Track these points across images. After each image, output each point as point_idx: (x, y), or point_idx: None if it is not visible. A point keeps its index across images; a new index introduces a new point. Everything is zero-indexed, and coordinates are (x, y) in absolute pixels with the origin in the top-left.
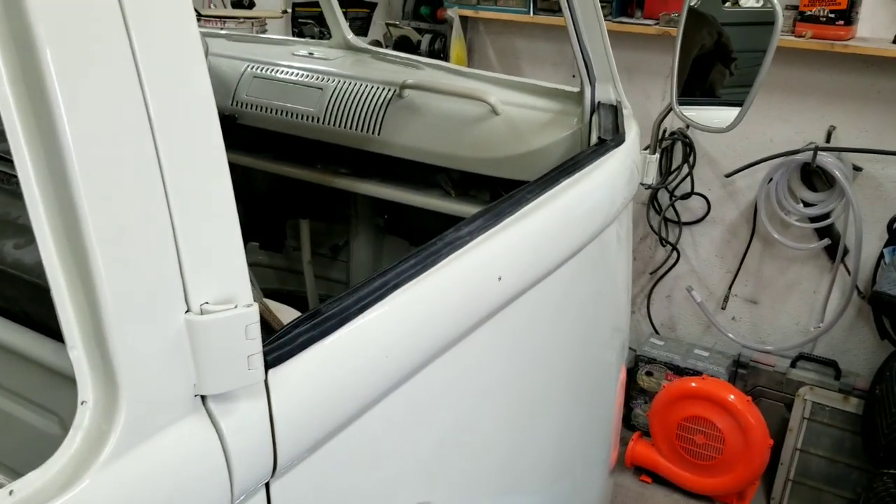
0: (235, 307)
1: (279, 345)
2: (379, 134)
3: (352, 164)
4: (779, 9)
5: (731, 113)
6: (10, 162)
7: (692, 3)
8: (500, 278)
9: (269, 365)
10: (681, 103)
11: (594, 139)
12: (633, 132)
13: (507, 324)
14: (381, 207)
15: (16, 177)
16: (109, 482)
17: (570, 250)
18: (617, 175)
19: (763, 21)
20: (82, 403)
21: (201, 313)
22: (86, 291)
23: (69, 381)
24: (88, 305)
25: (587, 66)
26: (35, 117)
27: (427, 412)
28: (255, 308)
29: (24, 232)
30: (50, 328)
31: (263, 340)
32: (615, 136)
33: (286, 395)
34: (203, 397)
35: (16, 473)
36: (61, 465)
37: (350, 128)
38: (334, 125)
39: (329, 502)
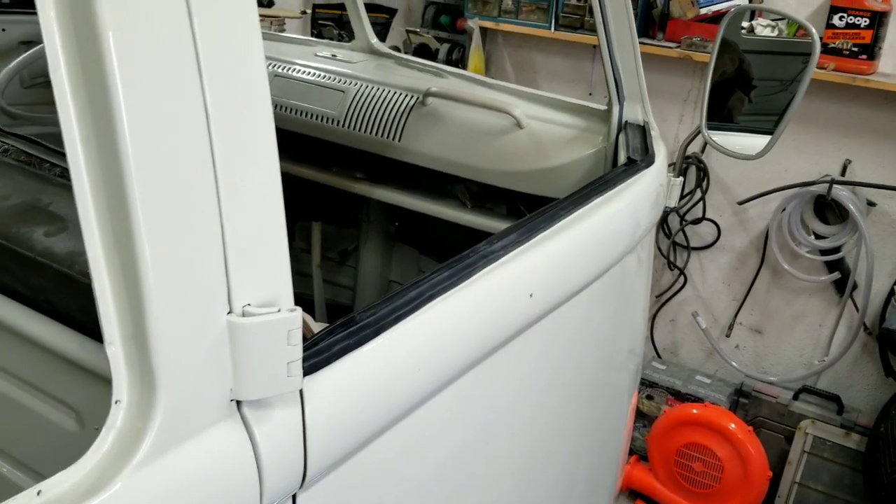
0: (279, 311)
1: (315, 352)
2: (399, 140)
3: (368, 170)
4: (816, 39)
5: (756, 140)
6: (42, 146)
7: (723, 31)
8: (531, 295)
9: (304, 372)
10: (710, 128)
11: (621, 158)
12: (661, 153)
13: (531, 342)
14: (394, 215)
15: (49, 162)
16: (141, 486)
17: (598, 270)
18: (646, 196)
19: (784, 51)
20: (116, 402)
21: (243, 315)
22: (128, 287)
23: (90, 375)
24: (130, 301)
25: (617, 83)
26: (91, 106)
27: (451, 428)
28: (299, 313)
29: (56, 220)
30: (76, 320)
31: None
32: (645, 157)
33: (320, 405)
34: (238, 403)
35: (24, 466)
36: (92, 465)
37: (370, 132)
38: (354, 129)
39: None
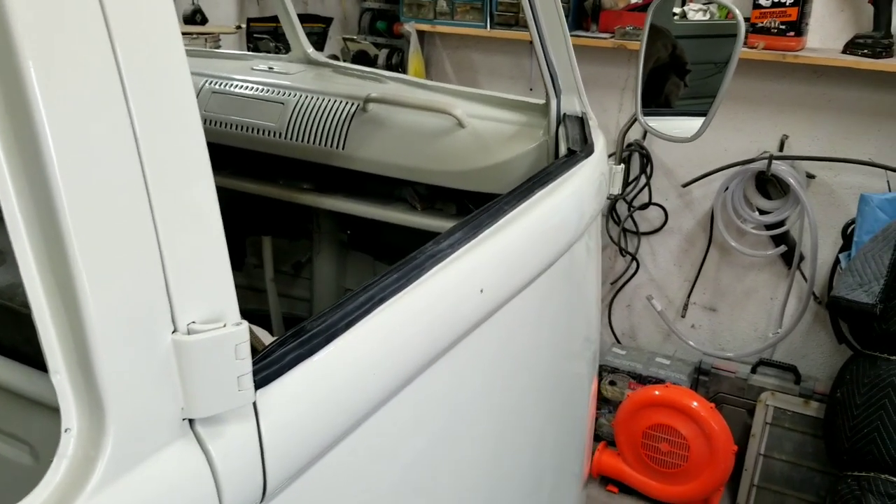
0: (224, 326)
1: (266, 364)
2: (343, 148)
3: (315, 180)
4: (741, 20)
5: (693, 123)
6: None
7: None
8: (482, 290)
9: (256, 385)
10: (645, 114)
11: (562, 150)
12: (600, 143)
13: (486, 338)
14: (345, 223)
15: None
16: None
17: (546, 260)
18: (588, 185)
19: (716, 34)
20: (66, 431)
21: (188, 333)
22: (69, 313)
23: (41, 407)
24: (72, 328)
25: (553, 77)
26: (14, 128)
27: (413, 428)
28: (245, 327)
29: None
30: (22, 353)
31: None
32: (584, 147)
33: (274, 416)
34: (191, 421)
35: None
36: (46, 496)
37: (313, 142)
38: (297, 140)
39: None
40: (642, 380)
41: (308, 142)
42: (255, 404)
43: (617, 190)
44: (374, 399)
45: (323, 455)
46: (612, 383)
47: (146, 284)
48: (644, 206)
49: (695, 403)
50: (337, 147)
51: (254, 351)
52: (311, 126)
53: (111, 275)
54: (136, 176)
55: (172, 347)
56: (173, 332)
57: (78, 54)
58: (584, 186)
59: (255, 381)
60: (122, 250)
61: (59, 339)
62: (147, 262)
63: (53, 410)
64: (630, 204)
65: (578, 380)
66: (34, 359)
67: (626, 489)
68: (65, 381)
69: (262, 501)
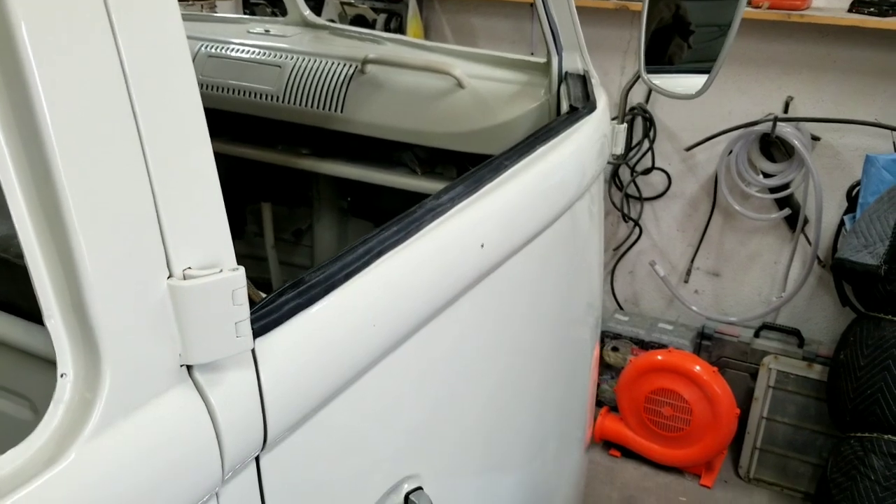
0: (220, 271)
1: (265, 313)
2: (341, 111)
3: (314, 144)
4: None
5: (697, 80)
6: None
7: None
8: (482, 245)
9: (255, 334)
10: (648, 71)
11: (564, 108)
12: (603, 100)
13: (488, 295)
14: (345, 189)
15: None
16: (95, 456)
17: (547, 218)
18: (590, 142)
19: None
20: (62, 376)
21: (184, 278)
22: (61, 257)
23: (39, 361)
24: (65, 272)
25: (554, 34)
26: (4, 73)
27: (414, 382)
28: (242, 272)
29: None
30: (17, 307)
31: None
32: (586, 104)
33: (274, 365)
34: (189, 368)
35: None
36: (44, 440)
37: (311, 106)
38: (294, 104)
39: (319, 475)
40: (645, 345)
41: (306, 105)
42: (254, 353)
43: (620, 150)
44: (374, 352)
45: (324, 406)
46: (614, 349)
47: (140, 229)
48: (647, 171)
49: (697, 367)
50: (335, 110)
51: (253, 302)
52: (309, 89)
53: (104, 219)
54: (128, 120)
55: (168, 292)
56: (169, 277)
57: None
58: (587, 143)
59: (253, 330)
60: (114, 195)
61: (52, 283)
62: (141, 207)
63: (53, 365)
64: (633, 169)
65: (581, 344)
66: (33, 313)
67: (628, 453)
68: (59, 326)
69: (262, 450)
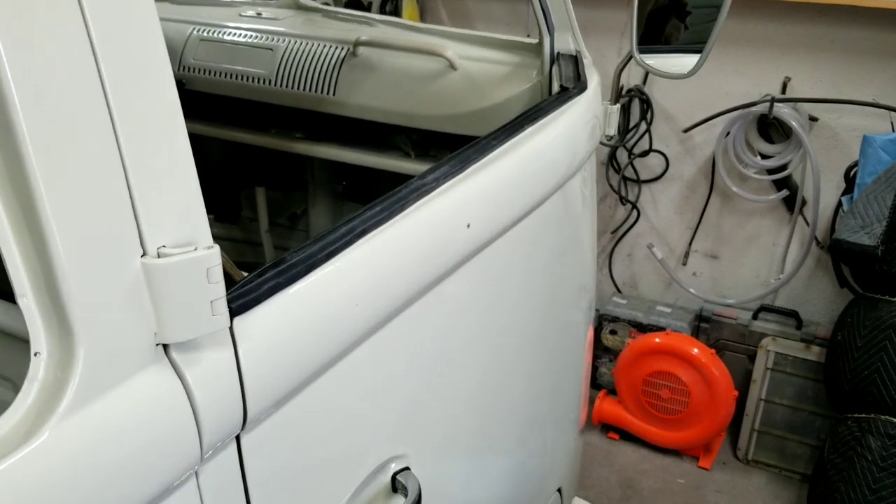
0: (195, 249)
1: (244, 292)
2: (334, 94)
3: (307, 128)
4: None
5: (690, 59)
6: None
7: None
8: (468, 225)
9: (234, 313)
10: (641, 52)
11: (556, 89)
12: (594, 80)
13: (476, 276)
14: (340, 173)
15: None
16: (69, 435)
17: (536, 198)
18: (581, 122)
19: None
20: (35, 355)
21: (158, 256)
22: (33, 235)
23: (19, 342)
24: (37, 250)
25: (545, 14)
26: None
27: (399, 363)
28: (217, 250)
29: None
30: None
31: (227, 289)
32: (577, 84)
33: (253, 345)
34: (166, 347)
35: None
36: (17, 419)
37: (304, 89)
38: (287, 87)
39: (302, 456)
40: (643, 328)
41: (298, 88)
42: (232, 332)
43: (613, 130)
44: (357, 331)
45: (307, 385)
46: (612, 332)
47: (112, 207)
48: (644, 154)
49: (695, 350)
50: (327, 93)
51: (234, 281)
52: (301, 72)
53: (75, 198)
54: (98, 98)
55: (142, 271)
56: (143, 255)
57: None
58: (577, 124)
59: (231, 309)
60: (85, 173)
61: (24, 262)
62: (113, 185)
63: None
64: (630, 151)
65: (574, 327)
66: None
67: (627, 436)
68: (32, 304)
69: (242, 429)
